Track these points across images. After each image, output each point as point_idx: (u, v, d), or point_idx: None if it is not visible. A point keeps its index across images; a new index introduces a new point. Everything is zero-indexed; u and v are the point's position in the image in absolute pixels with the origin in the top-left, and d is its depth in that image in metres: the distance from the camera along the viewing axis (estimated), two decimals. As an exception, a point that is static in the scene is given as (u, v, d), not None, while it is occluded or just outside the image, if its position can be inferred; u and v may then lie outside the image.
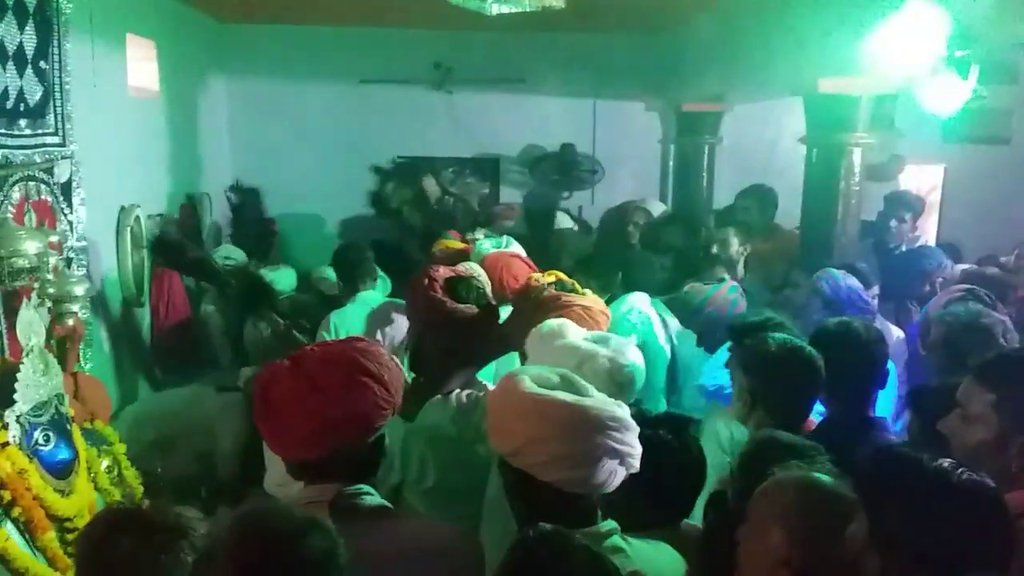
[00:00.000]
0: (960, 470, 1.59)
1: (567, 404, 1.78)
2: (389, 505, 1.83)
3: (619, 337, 2.68)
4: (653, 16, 6.17)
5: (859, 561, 1.61)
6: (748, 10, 5.54)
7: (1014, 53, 3.60)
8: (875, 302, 4.11)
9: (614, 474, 1.79)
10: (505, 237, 4.62)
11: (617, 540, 1.81)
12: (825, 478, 1.79)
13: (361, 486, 1.78)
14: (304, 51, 7.07)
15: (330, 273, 4.87)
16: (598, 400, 1.83)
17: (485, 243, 4.53)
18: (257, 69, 7.13)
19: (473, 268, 3.61)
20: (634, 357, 2.52)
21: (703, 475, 2.24)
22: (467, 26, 5.90)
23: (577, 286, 2.99)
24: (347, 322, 4.02)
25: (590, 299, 2.93)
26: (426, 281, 2.87)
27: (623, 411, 1.83)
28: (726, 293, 4.34)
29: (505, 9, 3.86)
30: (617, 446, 1.78)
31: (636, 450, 1.82)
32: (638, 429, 1.84)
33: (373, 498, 1.79)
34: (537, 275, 3.11)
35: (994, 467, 1.86)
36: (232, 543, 1.42)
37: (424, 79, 7.10)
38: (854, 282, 3.99)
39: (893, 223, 4.98)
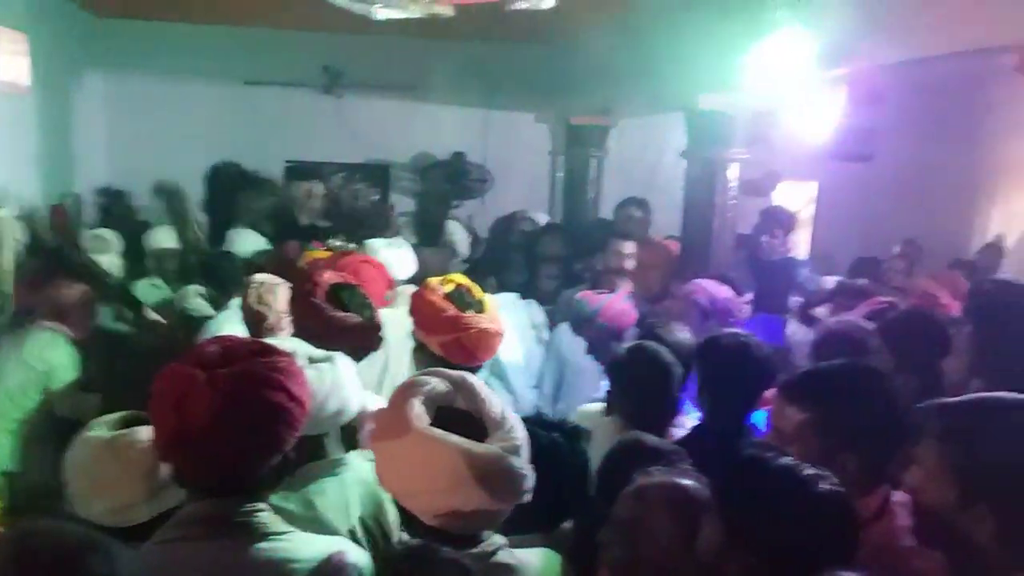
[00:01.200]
0: (807, 470, 1.63)
1: (454, 449, 1.68)
2: (283, 522, 1.74)
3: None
4: (544, 29, 6.26)
5: (718, 563, 1.65)
6: (635, 26, 5.68)
7: (878, 74, 3.82)
8: (747, 308, 4.27)
9: (502, 512, 1.75)
10: (397, 238, 4.56)
11: (504, 556, 1.77)
12: (688, 482, 1.83)
13: (257, 503, 1.71)
14: (187, 50, 6.86)
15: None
16: (489, 446, 1.71)
17: (377, 243, 4.46)
18: (137, 66, 6.88)
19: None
20: None
21: (588, 481, 2.28)
22: (357, 30, 5.86)
23: (477, 291, 2.86)
24: (225, 330, 3.90)
25: (486, 318, 2.75)
26: (308, 286, 2.82)
27: (515, 458, 1.72)
28: (619, 303, 4.39)
29: (392, 14, 3.85)
30: (504, 496, 1.71)
31: (529, 485, 1.75)
32: (529, 472, 1.76)
33: (267, 515, 1.71)
34: (435, 280, 2.91)
35: None
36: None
37: (313, 82, 7.00)
38: (727, 291, 4.13)
39: (765, 238, 5.19)
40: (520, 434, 1.77)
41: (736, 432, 2.68)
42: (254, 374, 1.66)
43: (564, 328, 4.54)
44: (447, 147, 7.41)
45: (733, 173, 4.84)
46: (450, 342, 2.67)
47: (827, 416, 1.97)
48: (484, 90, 7.37)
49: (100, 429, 1.95)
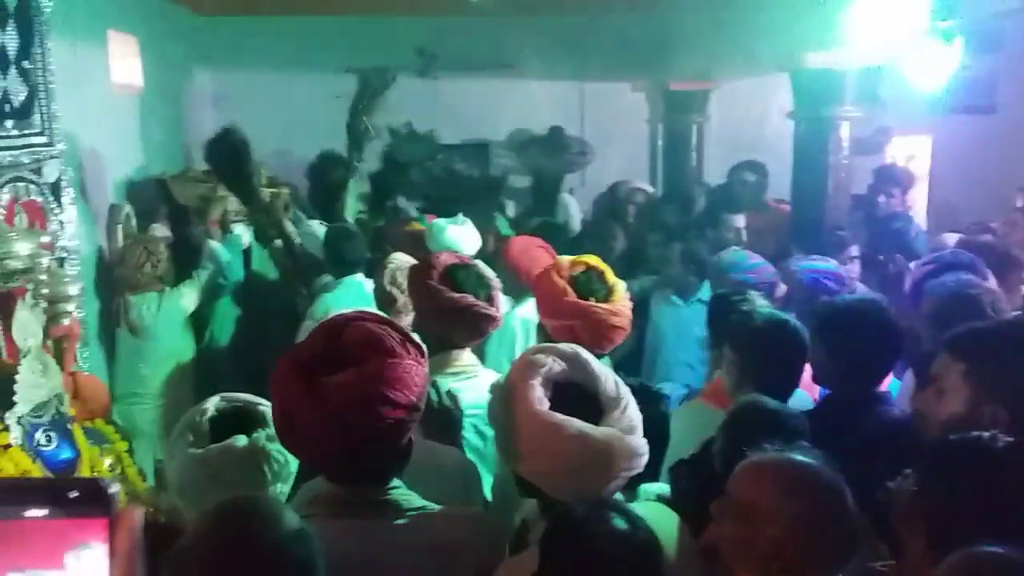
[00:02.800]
0: (1002, 442, 1.64)
1: (577, 436, 1.71)
2: (419, 498, 1.79)
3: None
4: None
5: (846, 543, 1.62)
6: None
7: (997, 21, 3.61)
8: (855, 265, 4.12)
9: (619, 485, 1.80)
10: (459, 215, 4.55)
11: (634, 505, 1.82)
12: (806, 460, 1.71)
13: (393, 481, 1.76)
14: (289, 42, 7.00)
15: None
16: (609, 429, 1.74)
17: (440, 222, 4.44)
18: (242, 61, 7.07)
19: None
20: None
21: (664, 446, 2.33)
22: (451, 12, 5.88)
23: (610, 276, 2.80)
24: (339, 306, 3.94)
25: (608, 308, 2.68)
26: (424, 268, 2.87)
27: (634, 437, 1.76)
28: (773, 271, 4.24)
29: (488, -5, 3.84)
30: (625, 473, 1.76)
31: (643, 460, 1.79)
32: (645, 450, 1.79)
33: (403, 491, 1.76)
34: (566, 261, 2.85)
35: None
36: (210, 541, 1.37)
37: (409, 66, 7.06)
38: (830, 263, 3.90)
39: (882, 198, 5.03)
40: (635, 412, 1.79)
41: (869, 402, 2.58)
42: (359, 385, 1.63)
43: (662, 302, 4.54)
44: (545, 122, 7.38)
45: (844, 132, 4.69)
46: (563, 328, 2.66)
47: (983, 367, 2.04)
48: (578, 63, 7.30)
49: (194, 436, 1.93)
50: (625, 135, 7.54)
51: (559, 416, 1.72)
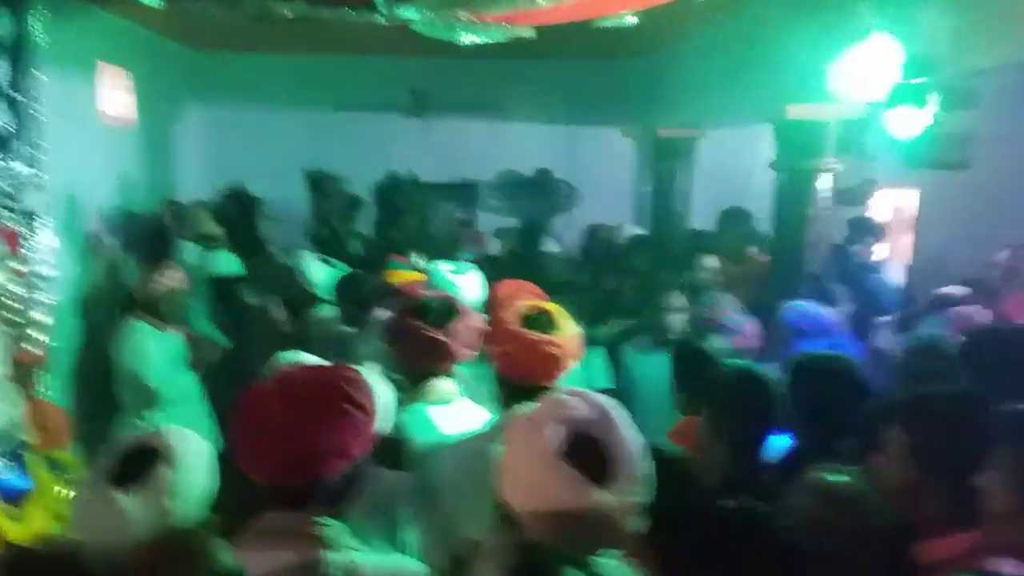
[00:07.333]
0: None
1: (578, 491, 1.67)
2: (350, 536, 1.78)
3: None
4: (628, 44, 6.24)
5: None
6: (719, 37, 5.62)
7: (971, 79, 3.66)
8: (843, 324, 4.15)
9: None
10: (463, 263, 4.53)
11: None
12: None
13: (327, 518, 1.76)
14: (280, 79, 7.10)
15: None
16: (610, 500, 1.69)
17: (442, 268, 4.45)
18: (233, 97, 7.15)
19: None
20: None
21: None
22: (443, 54, 5.94)
23: (561, 319, 2.69)
24: None
25: (547, 338, 2.58)
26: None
27: (632, 516, 1.72)
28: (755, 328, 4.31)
29: (476, 39, 3.90)
30: (608, 542, 1.75)
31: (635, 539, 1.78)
32: (640, 528, 1.75)
33: (336, 528, 1.76)
34: (525, 305, 2.87)
35: (914, 511, 1.92)
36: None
37: (400, 106, 7.13)
38: (824, 311, 3.99)
39: (854, 247, 5.08)
40: (644, 490, 1.72)
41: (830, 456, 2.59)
42: (323, 378, 1.81)
43: (637, 349, 4.54)
44: (534, 164, 7.45)
45: (825, 183, 4.72)
46: (499, 354, 2.64)
47: (928, 442, 1.98)
48: (570, 106, 7.39)
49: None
50: (613, 179, 7.60)
51: (563, 464, 1.68)
